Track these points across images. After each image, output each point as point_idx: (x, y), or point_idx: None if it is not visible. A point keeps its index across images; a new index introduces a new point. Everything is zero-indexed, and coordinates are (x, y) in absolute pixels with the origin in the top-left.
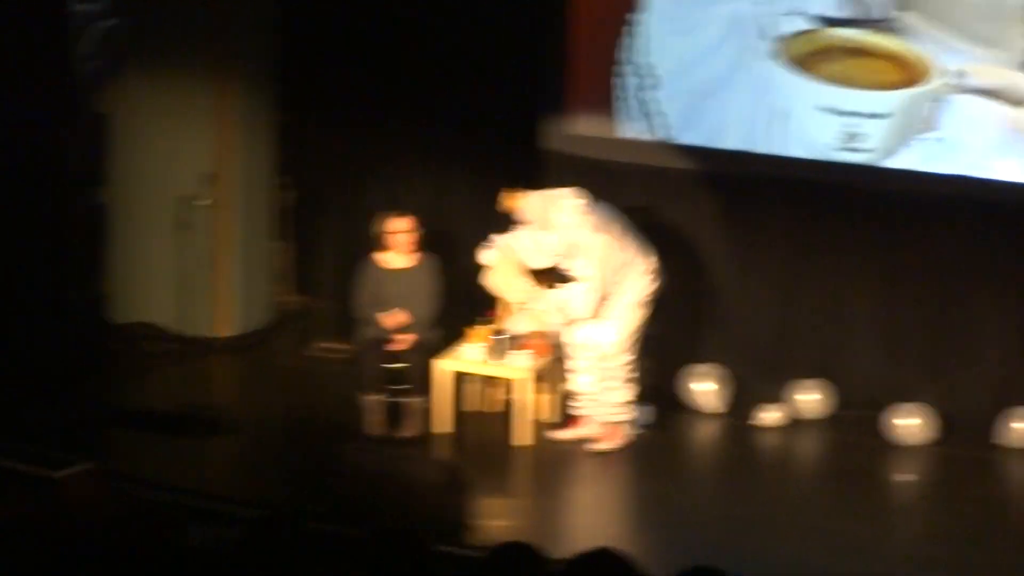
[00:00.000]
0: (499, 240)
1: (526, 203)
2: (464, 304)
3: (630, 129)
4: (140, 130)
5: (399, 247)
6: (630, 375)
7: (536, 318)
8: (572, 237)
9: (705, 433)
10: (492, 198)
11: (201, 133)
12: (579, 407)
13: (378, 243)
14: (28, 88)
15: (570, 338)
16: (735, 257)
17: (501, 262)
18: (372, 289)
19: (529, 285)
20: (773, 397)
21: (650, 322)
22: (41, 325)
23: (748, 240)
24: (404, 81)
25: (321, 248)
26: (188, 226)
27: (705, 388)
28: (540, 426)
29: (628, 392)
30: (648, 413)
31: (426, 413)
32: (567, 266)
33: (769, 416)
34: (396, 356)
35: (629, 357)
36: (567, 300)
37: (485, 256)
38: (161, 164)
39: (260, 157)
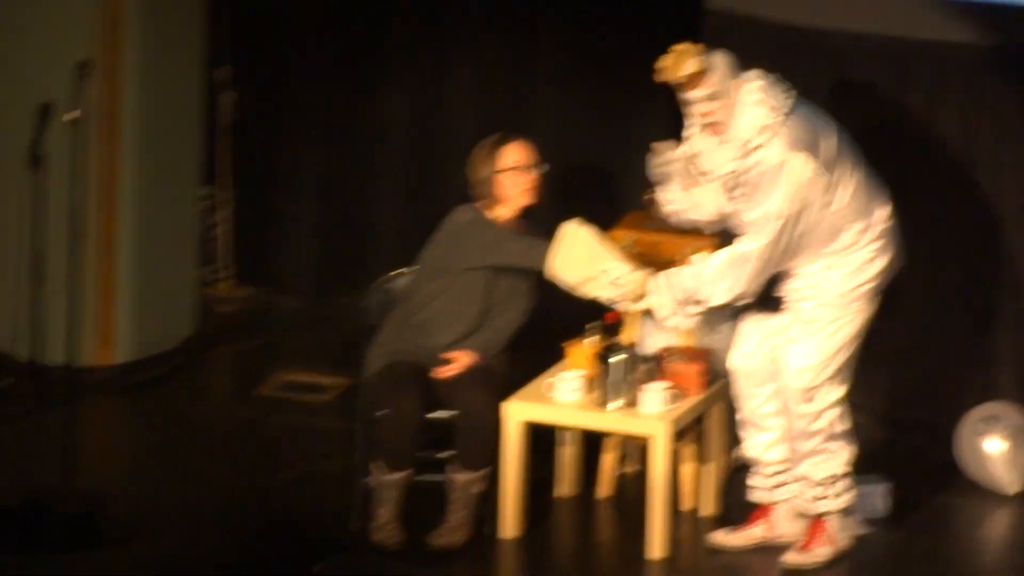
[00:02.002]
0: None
1: (721, 60)
2: (568, 297)
3: None
4: None
5: (515, 200)
6: (844, 429)
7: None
8: (759, 153)
9: (990, 530)
10: (618, 106)
11: None
12: (758, 488)
13: (487, 192)
14: None
15: (737, 363)
16: None
17: (569, 244)
18: (470, 270)
19: (620, 264)
20: None
21: (883, 330)
22: None
23: None
24: None
25: (288, 201)
26: (44, 162)
27: (990, 448)
28: (690, 523)
29: (842, 459)
30: (880, 496)
31: (483, 503)
32: (732, 208)
33: None
34: (436, 395)
35: (841, 393)
36: (705, 276)
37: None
38: None
39: (177, 31)
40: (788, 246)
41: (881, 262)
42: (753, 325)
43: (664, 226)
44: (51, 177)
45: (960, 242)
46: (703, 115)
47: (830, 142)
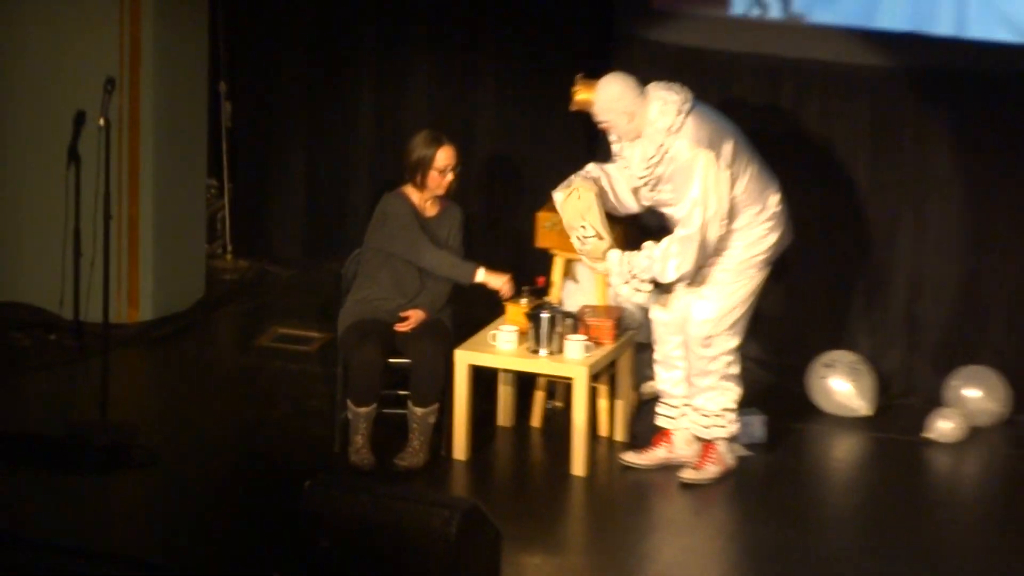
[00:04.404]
0: (585, 171)
1: (605, 90)
2: (505, 266)
3: (738, 5)
4: (3, 15)
5: (438, 189)
6: (734, 370)
7: (599, 286)
8: (669, 152)
9: (846, 450)
10: (544, 110)
11: (97, 18)
12: (665, 416)
13: (415, 177)
14: None
15: (656, 314)
16: (895, 192)
17: (577, 196)
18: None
19: (606, 234)
20: (938, 397)
21: (768, 292)
22: None
23: (915, 168)
24: None
25: (277, 188)
26: (78, 158)
27: (840, 386)
28: (606, 447)
29: (732, 396)
30: (758, 425)
31: (438, 431)
32: (655, 201)
33: (942, 425)
34: (396, 345)
35: (734, 343)
36: (655, 256)
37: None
38: (37, 66)
39: (185, 53)
40: (718, 229)
41: (772, 238)
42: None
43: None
44: (86, 172)
45: (822, 219)
46: (603, 129)
47: (729, 139)
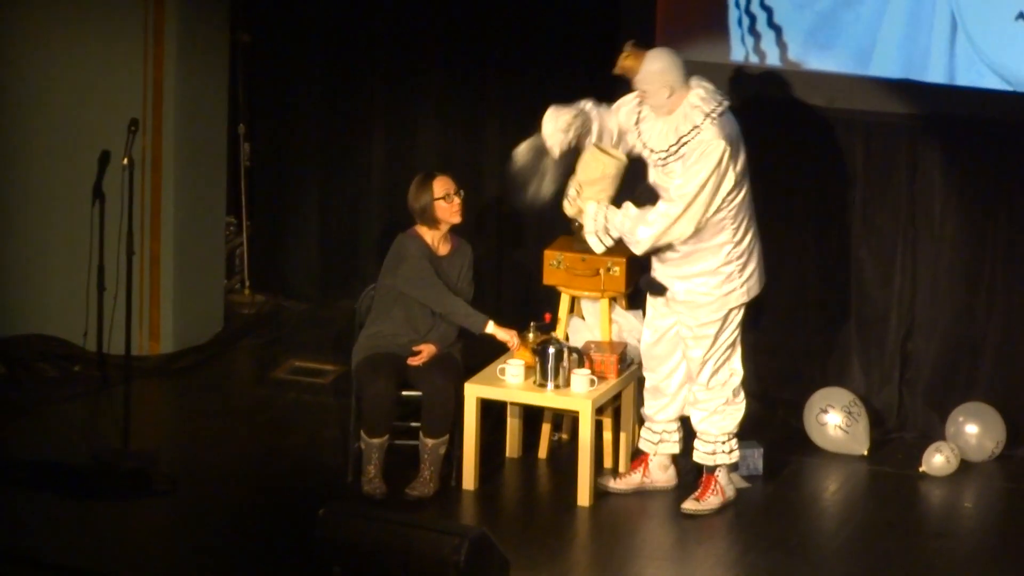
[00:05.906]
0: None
1: (653, 62)
2: (513, 302)
3: (738, 52)
4: (32, 57)
5: (448, 221)
6: (739, 393)
7: (604, 322)
8: (701, 134)
9: (839, 484)
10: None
11: (122, 62)
12: (646, 440)
13: (426, 219)
14: None
15: (641, 347)
16: (889, 232)
17: (604, 156)
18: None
19: (604, 196)
20: (936, 432)
21: (766, 329)
22: None
23: (908, 209)
24: None
25: (293, 226)
26: (102, 196)
27: (837, 429)
28: (609, 479)
29: (736, 419)
30: (757, 457)
31: (448, 461)
32: (654, 181)
33: (936, 460)
34: (408, 378)
35: (735, 366)
36: (626, 219)
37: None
38: (63, 107)
39: (206, 97)
40: (693, 222)
41: (750, 268)
42: (653, 320)
43: (587, 248)
44: (110, 209)
45: (818, 257)
46: (640, 94)
47: (743, 153)
